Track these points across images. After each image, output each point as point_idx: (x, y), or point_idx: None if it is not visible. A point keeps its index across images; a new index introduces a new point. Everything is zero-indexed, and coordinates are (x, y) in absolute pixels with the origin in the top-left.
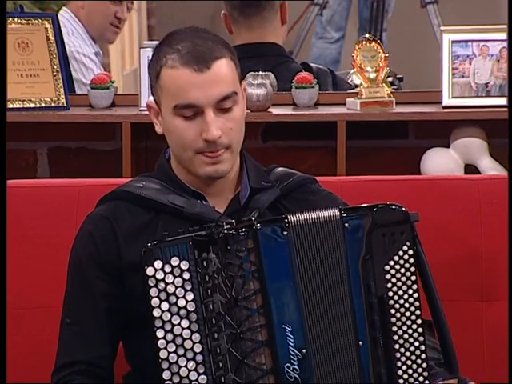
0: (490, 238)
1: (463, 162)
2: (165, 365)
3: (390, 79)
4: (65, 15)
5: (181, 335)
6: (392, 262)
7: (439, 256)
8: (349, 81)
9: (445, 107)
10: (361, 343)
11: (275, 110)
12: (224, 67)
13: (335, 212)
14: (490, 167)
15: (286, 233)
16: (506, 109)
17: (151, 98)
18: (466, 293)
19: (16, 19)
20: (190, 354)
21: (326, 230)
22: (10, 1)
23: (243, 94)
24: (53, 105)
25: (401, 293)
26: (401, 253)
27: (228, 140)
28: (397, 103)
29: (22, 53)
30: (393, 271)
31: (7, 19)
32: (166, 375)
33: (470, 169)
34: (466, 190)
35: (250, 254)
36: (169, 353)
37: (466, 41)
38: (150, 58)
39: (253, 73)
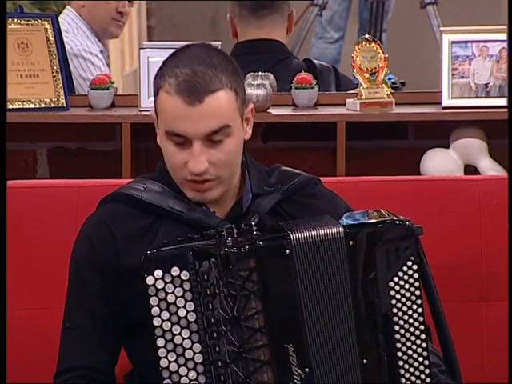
0: (489, 238)
1: (463, 163)
2: (165, 374)
3: (392, 80)
4: (69, 14)
5: (181, 345)
6: (396, 278)
7: (439, 256)
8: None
9: (444, 108)
10: (365, 361)
11: (275, 111)
12: (219, 101)
13: (339, 229)
14: (490, 168)
15: (288, 251)
16: (505, 109)
17: (153, 109)
18: (465, 293)
19: (16, 20)
20: (190, 364)
21: (329, 247)
22: (10, 1)
23: (247, 117)
24: (52, 105)
25: (405, 309)
26: (405, 268)
27: (216, 172)
28: (396, 104)
29: (22, 53)
30: (397, 287)
31: (7, 20)
32: None
33: (470, 169)
34: (466, 191)
35: (252, 274)
36: (169, 362)
37: (466, 41)
38: (149, 59)
39: (252, 73)
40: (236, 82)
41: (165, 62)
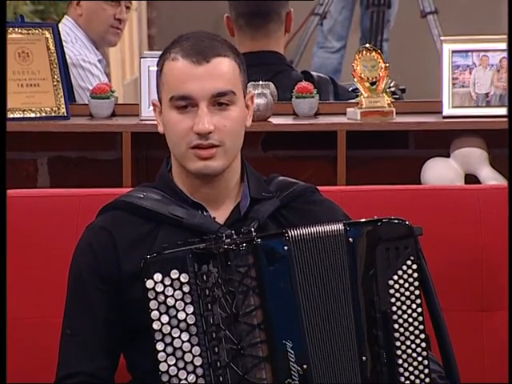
0: (490, 247)
1: (463, 172)
2: (165, 378)
3: (392, 89)
4: (67, 24)
5: (181, 348)
6: (396, 277)
7: (439, 265)
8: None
9: (445, 117)
10: (364, 358)
11: (275, 120)
12: (224, 65)
13: (339, 226)
14: (490, 177)
15: (286, 248)
16: (506, 119)
17: (156, 97)
18: (466, 302)
19: (16, 29)
20: (190, 367)
21: (329, 244)
22: (11, 7)
23: (247, 103)
24: (53, 114)
25: (404, 307)
26: (404, 267)
27: (220, 137)
28: (397, 113)
29: (23, 62)
30: (396, 286)
31: (7, 29)
32: None
33: (471, 178)
34: (466, 200)
35: (250, 270)
36: (169, 366)
37: (466, 51)
38: (150, 68)
39: (253, 82)
40: (239, 59)
41: (165, 49)
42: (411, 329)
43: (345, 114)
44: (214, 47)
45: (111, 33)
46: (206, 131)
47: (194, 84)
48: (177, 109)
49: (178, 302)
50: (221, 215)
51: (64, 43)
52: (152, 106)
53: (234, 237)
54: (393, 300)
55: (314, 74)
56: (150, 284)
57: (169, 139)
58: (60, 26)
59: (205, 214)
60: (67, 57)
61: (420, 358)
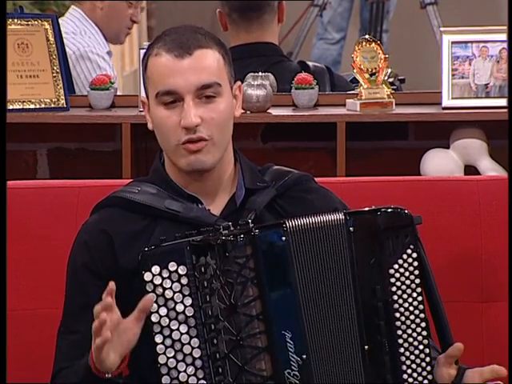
0: (489, 238)
1: (463, 163)
2: (164, 370)
3: (390, 80)
4: (75, 14)
5: (179, 340)
6: (396, 266)
7: (439, 257)
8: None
9: (445, 108)
10: (366, 347)
11: (275, 111)
12: (208, 57)
13: (339, 216)
14: (490, 168)
15: (284, 238)
16: (505, 110)
17: (144, 94)
18: (465, 293)
19: (16, 20)
20: (189, 359)
21: (329, 234)
22: (10, 1)
23: (234, 93)
24: (52, 106)
25: (405, 296)
26: (405, 256)
27: (208, 130)
28: (396, 104)
29: (22, 54)
30: (397, 275)
31: (7, 20)
32: (165, 380)
33: (470, 170)
34: (466, 191)
35: (248, 261)
36: (168, 358)
37: (466, 42)
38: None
39: (252, 73)
40: (224, 51)
41: (152, 41)
42: (412, 317)
43: (344, 105)
44: (196, 39)
45: (124, 33)
46: (192, 124)
47: (178, 78)
48: (163, 105)
49: (176, 295)
50: (216, 207)
51: (73, 35)
52: (141, 104)
53: (232, 228)
54: (394, 289)
55: (309, 63)
56: (148, 277)
57: (158, 136)
58: (67, 16)
59: (200, 206)
60: (75, 48)
61: (421, 347)
